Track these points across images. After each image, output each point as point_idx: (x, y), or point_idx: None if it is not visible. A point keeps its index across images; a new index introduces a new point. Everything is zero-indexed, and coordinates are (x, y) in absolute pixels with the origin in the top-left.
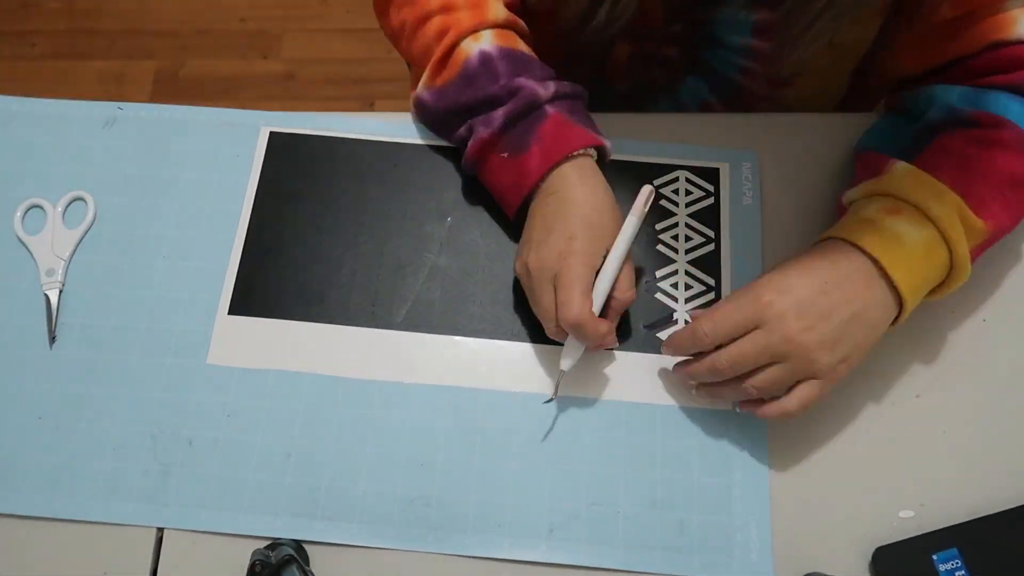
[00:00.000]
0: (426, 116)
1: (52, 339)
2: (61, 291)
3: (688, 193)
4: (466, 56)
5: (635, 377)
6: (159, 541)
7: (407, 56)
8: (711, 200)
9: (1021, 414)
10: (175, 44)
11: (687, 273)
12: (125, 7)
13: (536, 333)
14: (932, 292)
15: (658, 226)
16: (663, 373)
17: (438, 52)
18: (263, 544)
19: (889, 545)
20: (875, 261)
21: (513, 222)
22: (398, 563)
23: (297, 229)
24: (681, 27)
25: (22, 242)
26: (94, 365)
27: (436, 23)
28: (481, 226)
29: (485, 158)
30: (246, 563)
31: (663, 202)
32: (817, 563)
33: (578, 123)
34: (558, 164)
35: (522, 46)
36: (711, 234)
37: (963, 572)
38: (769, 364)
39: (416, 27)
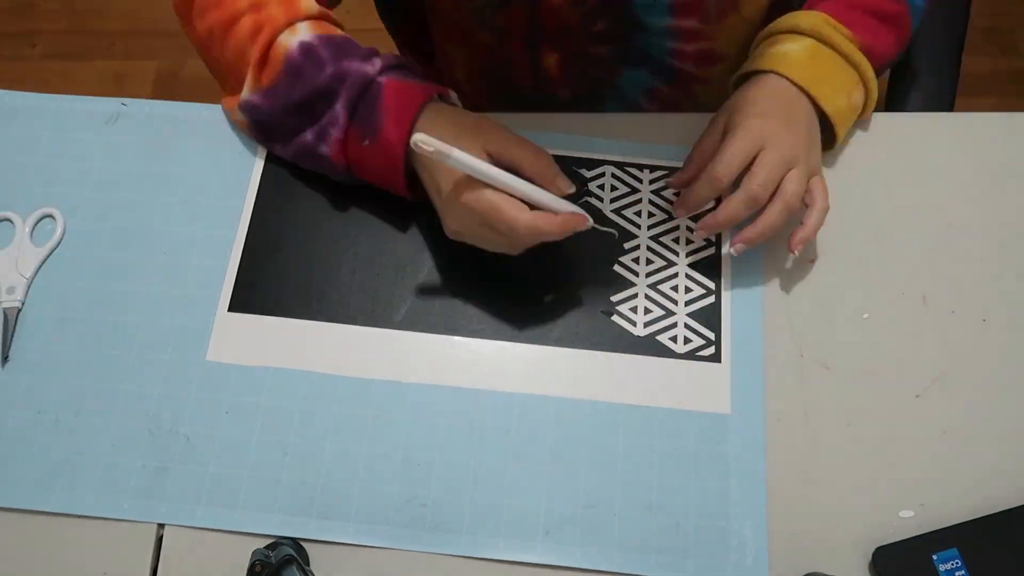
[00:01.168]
0: (260, 120)
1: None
2: (21, 307)
3: None
4: (286, 50)
5: (633, 380)
6: (159, 541)
7: (219, 63)
8: (711, 204)
9: (1021, 414)
10: (175, 44)
11: (687, 276)
12: (125, 7)
13: (536, 334)
14: (864, 109)
15: (659, 228)
16: (661, 369)
17: (256, 52)
18: (260, 542)
19: (889, 545)
20: (775, 72)
21: (415, 201)
22: (398, 563)
23: (298, 227)
24: (604, 23)
25: None
26: (93, 359)
27: (247, 23)
28: None
29: (349, 156)
30: (246, 563)
31: (664, 204)
32: (817, 563)
33: (414, 81)
34: (414, 124)
35: (341, 32)
36: (711, 237)
37: (963, 572)
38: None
39: (226, 29)
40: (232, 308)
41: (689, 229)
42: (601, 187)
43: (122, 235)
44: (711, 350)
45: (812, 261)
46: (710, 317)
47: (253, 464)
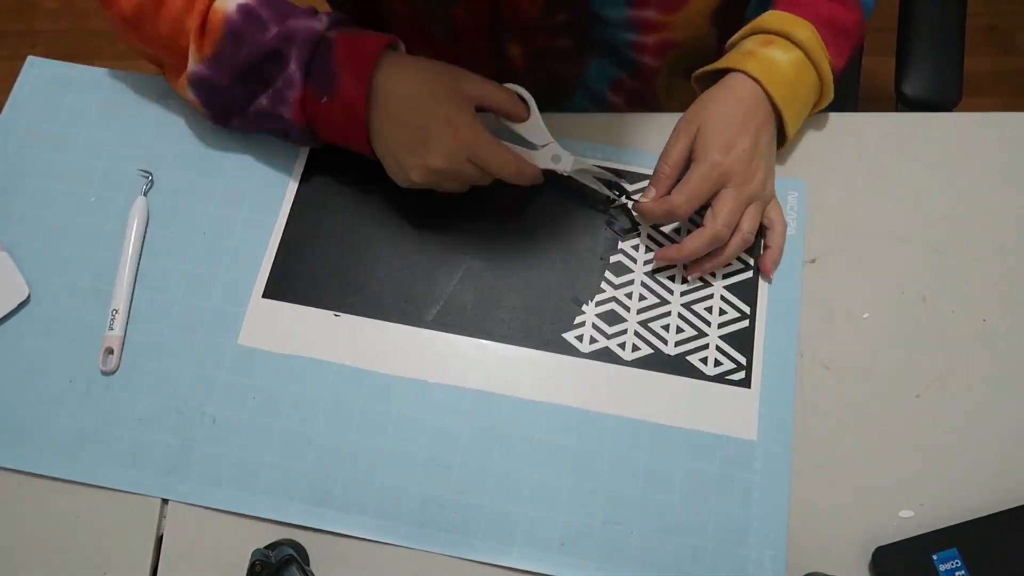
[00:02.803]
0: (211, 94)
1: None
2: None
3: None
4: (224, 15)
5: (660, 398)
6: (159, 541)
7: (152, 41)
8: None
9: (1021, 414)
10: None
11: (722, 298)
12: None
13: (565, 345)
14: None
15: None
16: (689, 390)
17: (195, 20)
18: (260, 542)
19: (889, 545)
20: (758, 82)
21: (376, 159)
22: (398, 564)
23: (337, 218)
24: (564, 15)
25: None
26: (127, 333)
27: None
28: (521, 232)
29: (311, 116)
30: (246, 563)
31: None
32: (817, 563)
33: (364, 32)
34: (372, 77)
35: None
36: (750, 261)
37: (963, 572)
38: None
39: (158, 4)
40: (267, 294)
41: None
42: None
43: (164, 212)
44: (741, 375)
45: (812, 261)
46: (743, 341)
47: (276, 451)
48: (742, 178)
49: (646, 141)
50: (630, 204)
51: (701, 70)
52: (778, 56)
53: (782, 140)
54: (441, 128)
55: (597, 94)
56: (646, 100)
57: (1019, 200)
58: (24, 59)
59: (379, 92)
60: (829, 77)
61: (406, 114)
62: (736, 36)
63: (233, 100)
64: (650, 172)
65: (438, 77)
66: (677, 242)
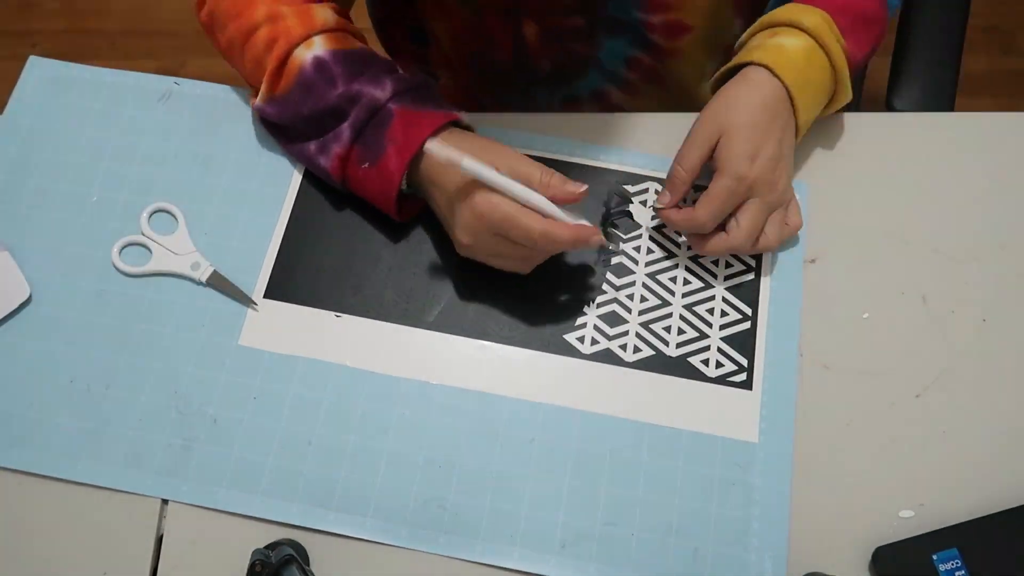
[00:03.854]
0: (272, 129)
1: None
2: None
3: None
4: (300, 64)
5: (661, 400)
6: (159, 541)
7: (242, 73)
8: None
9: (1021, 414)
10: (175, 44)
11: (724, 300)
12: (125, 7)
13: (566, 346)
14: (826, 107)
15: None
16: (691, 391)
17: (271, 63)
18: (260, 542)
19: (889, 545)
20: (770, 70)
21: (401, 223)
22: (398, 564)
23: (338, 219)
24: None
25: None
26: (128, 334)
27: (264, 34)
28: None
29: (347, 174)
30: (246, 563)
31: None
32: (817, 563)
33: (425, 109)
34: (417, 157)
35: (358, 45)
36: (751, 262)
37: (963, 572)
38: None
39: (244, 41)
40: (268, 295)
41: (730, 254)
42: (644, 203)
43: (165, 212)
44: (742, 376)
45: (812, 261)
46: (744, 343)
47: (277, 452)
48: (767, 188)
49: (646, 141)
50: (634, 208)
51: (714, 76)
52: (786, 42)
53: (796, 132)
54: (460, 203)
55: (612, 73)
56: (663, 78)
57: (1019, 200)
58: (24, 59)
59: (424, 171)
60: (842, 63)
61: (446, 190)
62: (745, 34)
63: (283, 132)
64: (649, 173)
65: (474, 151)
66: (672, 243)
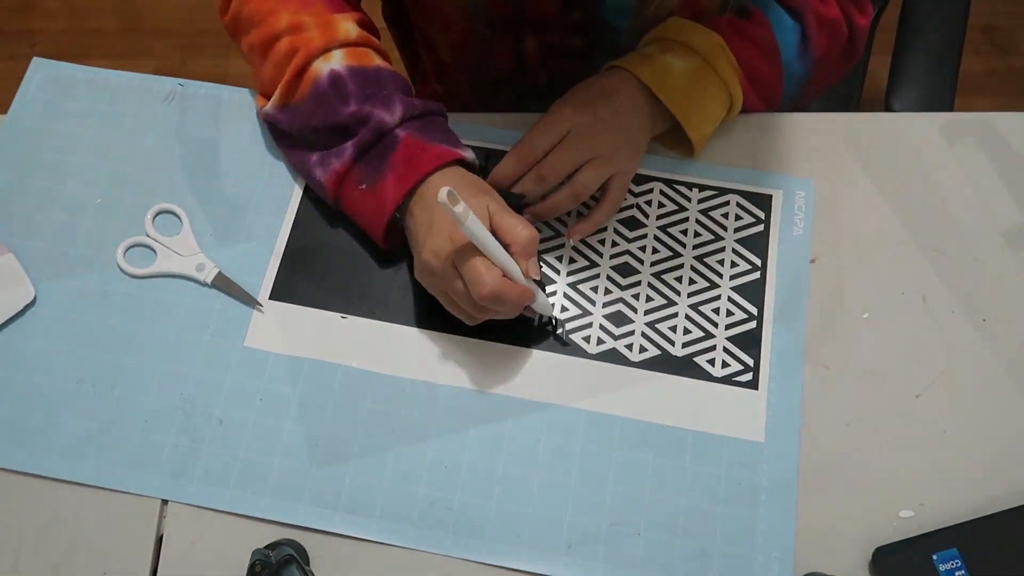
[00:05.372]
0: (275, 133)
1: None
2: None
3: (738, 218)
4: (316, 76)
5: (667, 400)
6: (159, 541)
7: (260, 79)
8: (760, 227)
9: (1021, 414)
10: (175, 44)
11: (730, 299)
12: (124, 7)
13: (573, 347)
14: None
15: (704, 249)
16: (697, 391)
17: (289, 73)
18: (261, 542)
19: (889, 545)
20: (646, 87)
21: (384, 249)
22: (399, 564)
23: (345, 221)
24: (580, 14)
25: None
26: (134, 335)
27: (285, 44)
28: None
29: (342, 191)
30: (246, 563)
31: (711, 225)
32: (817, 563)
33: (432, 142)
34: (414, 188)
35: (377, 61)
36: (757, 262)
37: (963, 572)
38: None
39: (265, 49)
40: (273, 296)
41: (735, 252)
42: (648, 203)
43: (169, 213)
44: (748, 376)
45: (813, 261)
46: (750, 343)
47: (283, 453)
48: (585, 131)
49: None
50: (638, 209)
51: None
52: (673, 64)
53: (686, 140)
54: (440, 224)
55: None
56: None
57: (1019, 200)
58: (24, 59)
59: (416, 199)
60: (736, 86)
61: (427, 215)
62: (641, 41)
63: (286, 138)
64: (651, 173)
65: (471, 192)
66: (678, 243)
